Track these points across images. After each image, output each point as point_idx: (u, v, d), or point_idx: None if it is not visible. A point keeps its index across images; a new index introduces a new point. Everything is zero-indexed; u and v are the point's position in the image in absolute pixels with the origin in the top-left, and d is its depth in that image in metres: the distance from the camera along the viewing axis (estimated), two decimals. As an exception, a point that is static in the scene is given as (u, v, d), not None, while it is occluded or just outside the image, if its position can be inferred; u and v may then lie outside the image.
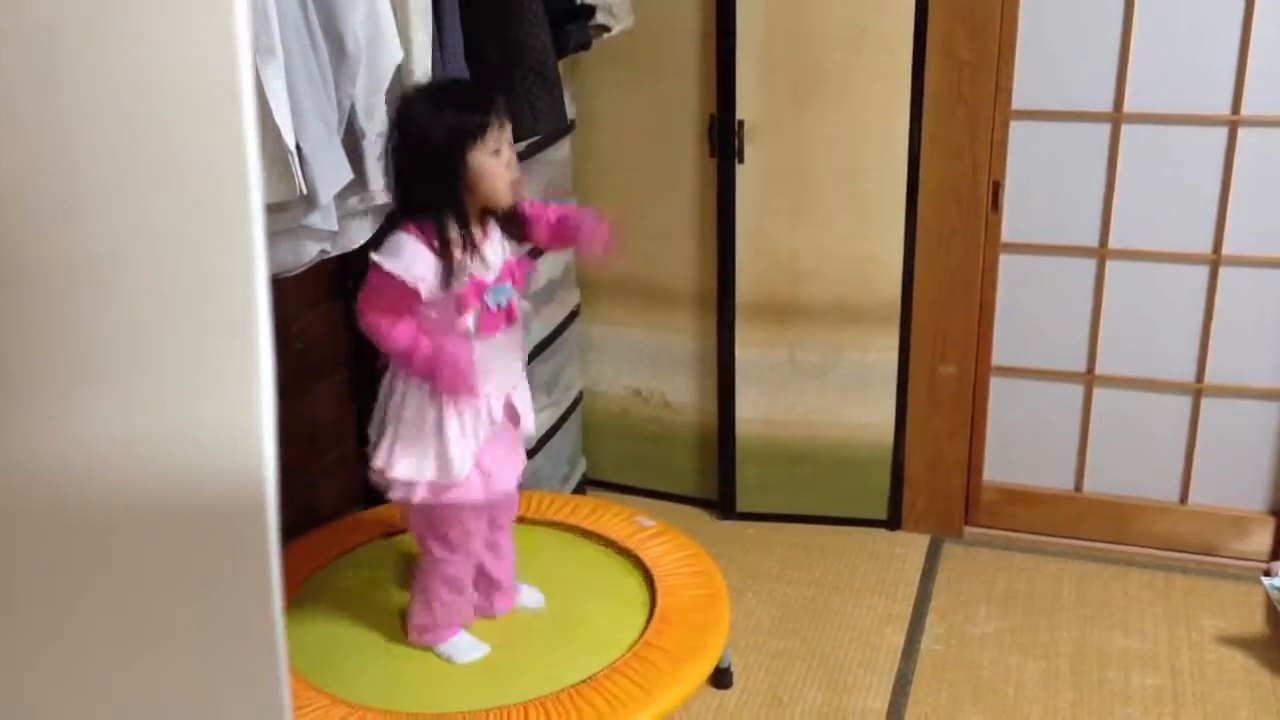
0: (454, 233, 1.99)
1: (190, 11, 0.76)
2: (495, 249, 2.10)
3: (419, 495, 2.10)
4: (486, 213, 2.07)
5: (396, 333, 2.01)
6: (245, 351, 0.81)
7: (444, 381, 2.01)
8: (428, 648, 2.27)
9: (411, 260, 1.96)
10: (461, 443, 2.08)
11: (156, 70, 0.76)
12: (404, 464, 2.08)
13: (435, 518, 2.18)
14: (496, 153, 2.01)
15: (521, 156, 2.65)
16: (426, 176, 1.95)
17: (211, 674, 0.88)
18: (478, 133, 1.98)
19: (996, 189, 2.84)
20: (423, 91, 1.97)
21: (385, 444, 2.09)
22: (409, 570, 2.45)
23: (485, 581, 2.33)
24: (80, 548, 0.86)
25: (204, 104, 0.77)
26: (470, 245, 2.02)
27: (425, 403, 2.07)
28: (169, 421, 0.83)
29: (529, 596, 2.42)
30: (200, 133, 0.77)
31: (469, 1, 2.18)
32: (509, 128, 2.05)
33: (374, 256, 1.97)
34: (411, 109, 1.93)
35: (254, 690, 0.87)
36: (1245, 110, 2.69)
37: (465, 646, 2.27)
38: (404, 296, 1.98)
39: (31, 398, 0.81)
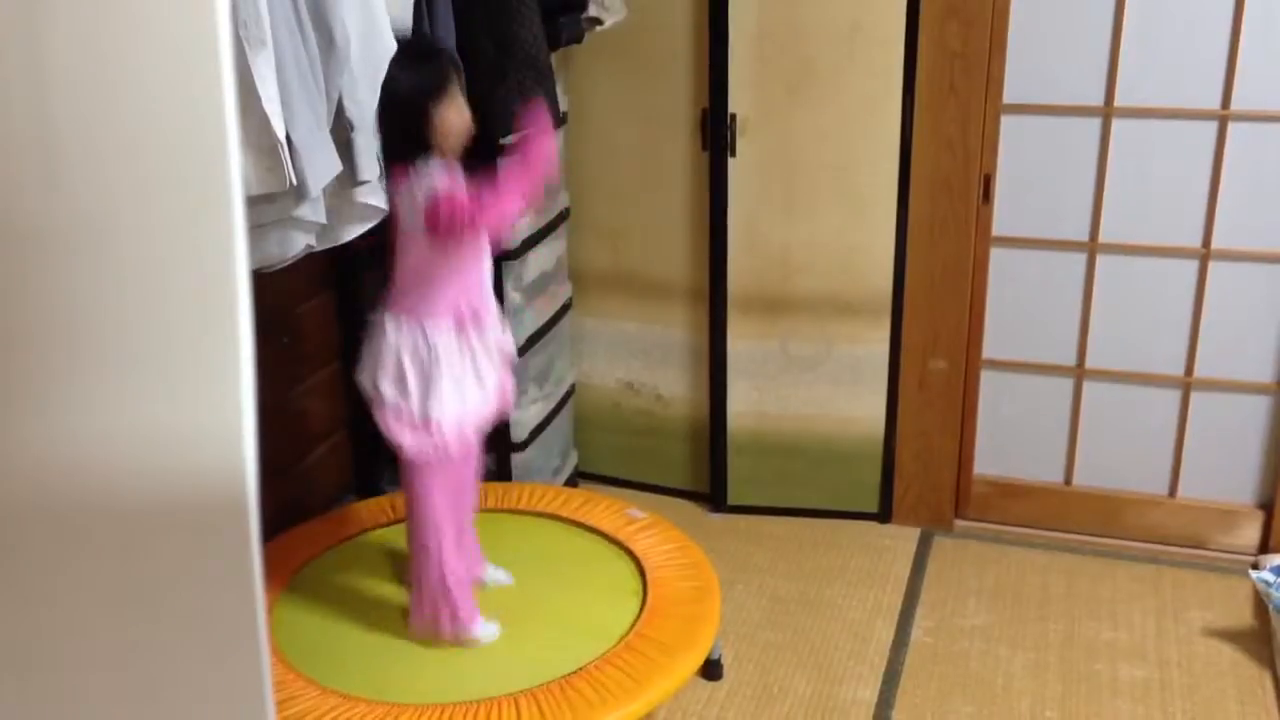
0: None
1: None
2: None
3: (461, 431, 2.12)
4: (453, 158, 2.10)
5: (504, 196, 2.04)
6: (225, 340, 0.81)
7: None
8: (463, 640, 2.25)
9: (449, 176, 2.03)
10: (489, 368, 2.17)
11: (140, 46, 0.76)
12: (449, 405, 2.10)
13: (443, 468, 2.17)
14: (457, 105, 2.05)
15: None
16: (401, 134, 1.98)
17: (194, 661, 0.88)
18: (443, 88, 2.02)
19: (988, 182, 2.85)
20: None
21: (422, 387, 2.09)
22: (401, 562, 2.45)
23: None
24: (60, 539, 0.86)
25: (185, 80, 0.77)
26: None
27: (451, 339, 2.10)
28: (149, 412, 0.83)
29: (494, 572, 2.44)
30: (182, 109, 0.77)
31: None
32: (461, 78, 2.08)
33: (427, 190, 2.00)
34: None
35: (236, 677, 0.87)
36: (1235, 105, 2.70)
37: (488, 626, 2.28)
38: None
39: (16, 389, 0.81)
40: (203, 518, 0.84)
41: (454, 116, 2.04)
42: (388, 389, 2.10)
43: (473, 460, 2.25)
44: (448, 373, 2.10)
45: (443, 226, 2.02)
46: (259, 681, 0.88)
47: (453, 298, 2.11)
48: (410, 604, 2.29)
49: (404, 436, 2.11)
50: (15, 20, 0.74)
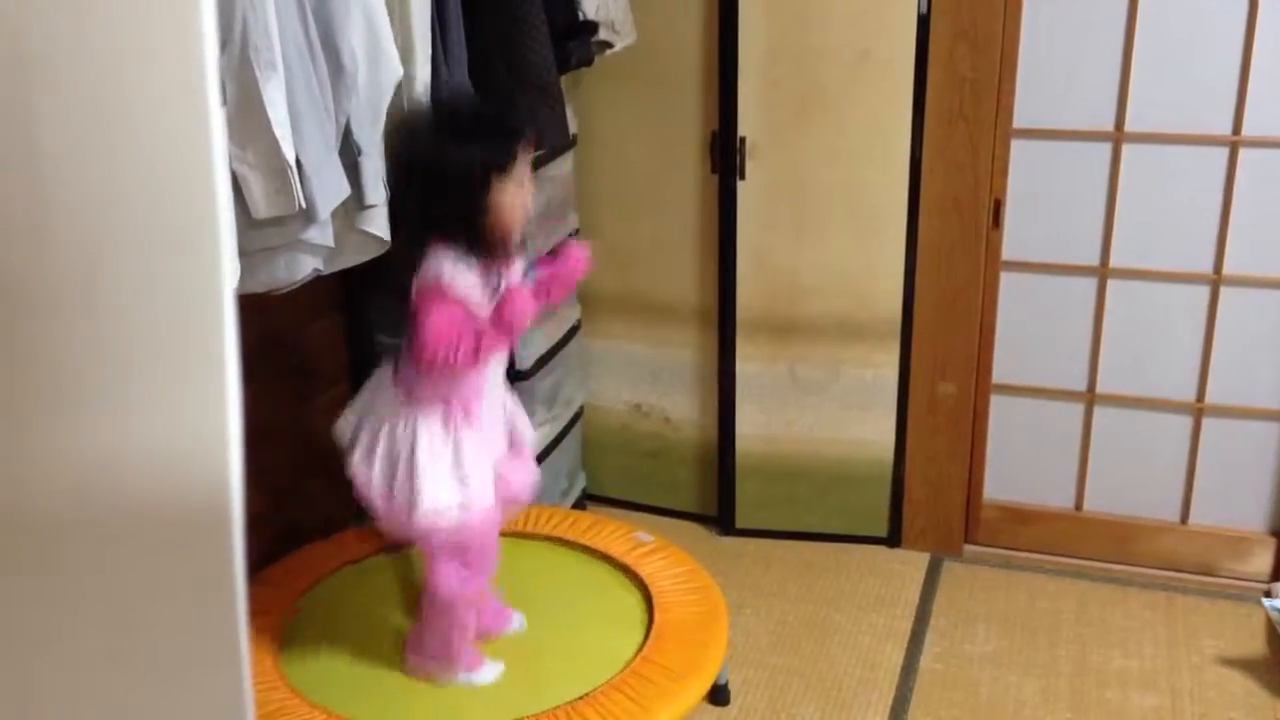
0: (482, 257, 1.97)
1: (160, 39, 0.77)
2: (518, 273, 2.08)
3: (448, 522, 2.05)
4: (506, 238, 2.02)
5: (462, 336, 1.95)
6: (212, 369, 0.81)
7: (517, 320, 1.96)
8: (450, 681, 2.20)
9: (456, 273, 1.93)
10: (481, 460, 2.07)
11: (127, 93, 0.77)
12: (430, 493, 2.02)
13: (455, 541, 2.11)
14: (519, 184, 1.98)
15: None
16: (450, 206, 1.92)
17: (175, 679, 0.88)
18: (506, 166, 1.94)
19: (997, 207, 2.85)
20: (444, 118, 1.94)
21: (403, 477, 2.03)
22: (409, 585, 2.45)
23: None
24: (44, 559, 0.86)
25: (174, 128, 0.78)
26: (499, 269, 1.99)
27: (437, 429, 2.04)
28: (137, 439, 0.84)
29: (517, 620, 2.38)
30: (169, 157, 0.78)
31: (472, 16, 2.19)
32: (530, 155, 2.01)
33: (427, 276, 1.93)
34: (434, 136, 1.90)
35: (218, 695, 0.88)
36: (1246, 130, 2.69)
37: (489, 668, 2.23)
38: (461, 315, 1.94)
39: (7, 413, 0.82)
40: (189, 535, 0.84)
41: (513, 198, 1.96)
42: (359, 457, 2.05)
43: (482, 540, 2.15)
44: (425, 463, 2.01)
45: (425, 359, 1.95)
46: (240, 699, 0.88)
47: (444, 392, 2.04)
48: (409, 639, 2.25)
49: (374, 506, 2.07)
50: (4, 82, 0.75)
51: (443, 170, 1.90)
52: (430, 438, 2.03)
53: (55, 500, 0.84)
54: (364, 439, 2.07)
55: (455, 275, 1.93)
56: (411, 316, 1.98)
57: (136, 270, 0.80)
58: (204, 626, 0.87)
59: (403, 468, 2.03)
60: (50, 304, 0.80)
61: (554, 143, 2.49)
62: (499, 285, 2.00)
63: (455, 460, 2.05)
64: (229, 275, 0.78)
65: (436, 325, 1.92)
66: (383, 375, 2.11)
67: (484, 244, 1.96)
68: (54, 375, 0.82)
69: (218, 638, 0.87)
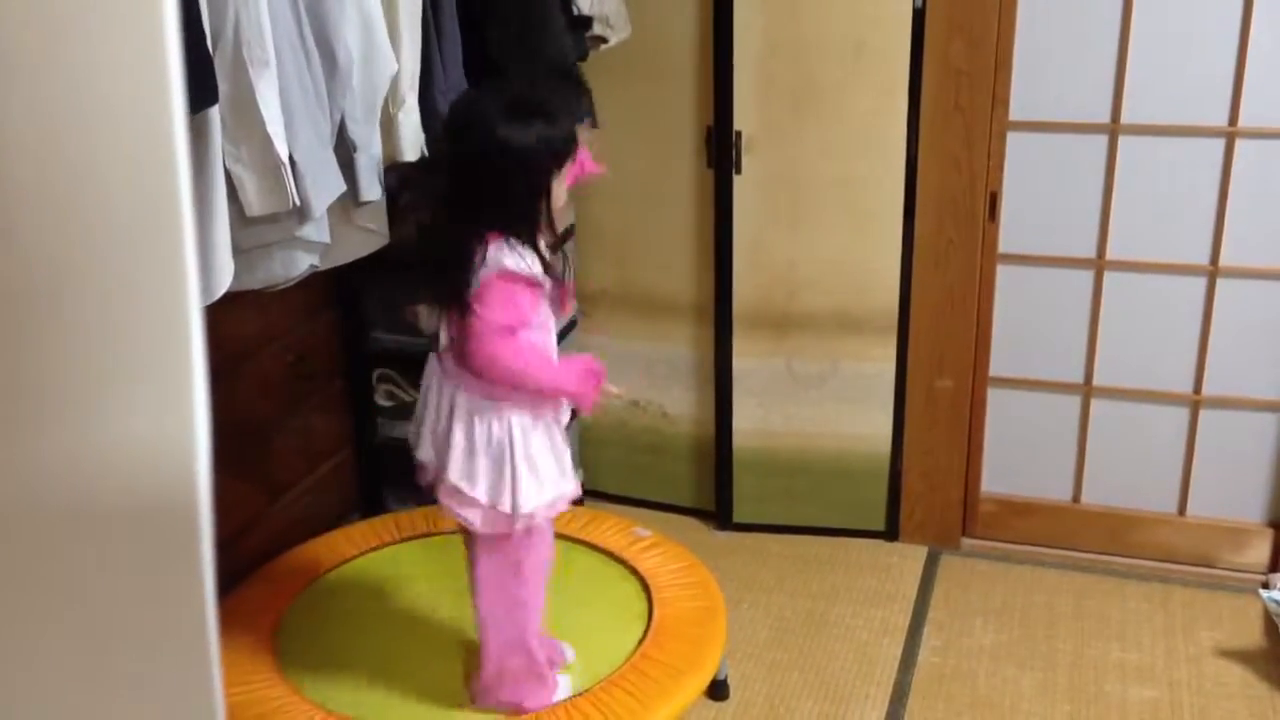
0: (540, 242, 1.88)
1: (126, 40, 0.77)
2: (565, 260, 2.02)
3: (541, 515, 1.97)
4: (553, 225, 1.94)
5: (533, 365, 1.88)
6: (179, 369, 0.81)
7: (590, 388, 1.92)
8: (534, 713, 2.08)
9: (526, 260, 1.84)
10: (565, 454, 2.00)
11: (92, 95, 0.77)
12: (531, 494, 1.93)
13: (523, 547, 2.02)
14: (569, 168, 1.91)
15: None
16: (509, 192, 1.82)
17: (144, 679, 0.88)
18: (571, 151, 1.87)
19: (994, 200, 2.84)
20: (502, 101, 1.82)
21: (507, 482, 1.91)
22: (407, 581, 2.44)
23: None
24: (6, 565, 0.86)
25: (137, 128, 0.78)
26: (554, 252, 1.92)
27: (528, 422, 1.93)
28: (103, 440, 0.84)
29: (569, 651, 2.27)
30: (132, 159, 0.78)
31: (486, 12, 2.17)
32: (584, 138, 1.94)
33: (491, 267, 1.82)
34: (492, 120, 1.79)
35: (186, 701, 0.88)
36: (1242, 122, 2.69)
37: (565, 685, 2.15)
38: (528, 304, 1.86)
39: None
40: (156, 542, 0.84)
41: (562, 183, 1.88)
42: (454, 475, 1.91)
43: (549, 540, 2.08)
44: (523, 460, 1.91)
45: (470, 361, 1.84)
46: (209, 705, 0.87)
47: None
48: (477, 681, 2.13)
49: (473, 517, 1.94)
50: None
51: (507, 154, 1.78)
52: (524, 431, 1.91)
53: (17, 506, 0.84)
54: (455, 441, 1.93)
55: (519, 263, 1.83)
56: (465, 311, 1.85)
57: (102, 272, 0.80)
58: (171, 636, 0.87)
59: (506, 466, 1.91)
60: (13, 306, 0.80)
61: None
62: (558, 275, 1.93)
63: (553, 453, 1.96)
64: (193, 276, 0.78)
65: (495, 305, 1.83)
66: (434, 375, 1.98)
67: (540, 232, 1.87)
68: (16, 379, 0.82)
69: (186, 647, 0.86)
